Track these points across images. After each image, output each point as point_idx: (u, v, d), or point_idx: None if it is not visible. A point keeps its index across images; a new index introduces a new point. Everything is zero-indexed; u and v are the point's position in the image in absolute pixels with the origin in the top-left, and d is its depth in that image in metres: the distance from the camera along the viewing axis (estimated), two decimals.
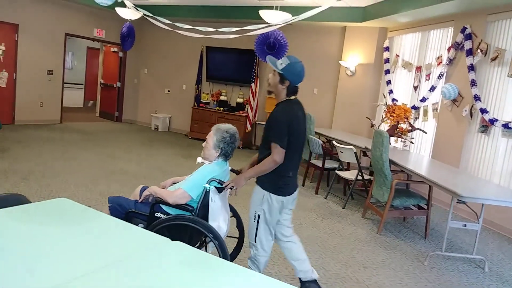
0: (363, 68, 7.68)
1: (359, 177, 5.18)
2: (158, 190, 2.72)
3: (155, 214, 2.67)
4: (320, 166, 5.81)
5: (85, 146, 7.31)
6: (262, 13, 6.50)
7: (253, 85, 8.70)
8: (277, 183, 2.63)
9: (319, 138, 5.94)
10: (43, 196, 4.47)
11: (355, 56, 7.72)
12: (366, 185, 5.30)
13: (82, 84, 13.32)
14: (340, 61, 7.84)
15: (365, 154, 5.99)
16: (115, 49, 10.73)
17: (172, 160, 7.02)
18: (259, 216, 2.66)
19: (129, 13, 7.81)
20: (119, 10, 7.87)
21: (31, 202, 2.21)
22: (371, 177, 5.24)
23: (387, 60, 7.31)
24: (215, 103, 9.42)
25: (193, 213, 2.63)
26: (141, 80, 10.87)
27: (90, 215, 2.07)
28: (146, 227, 2.49)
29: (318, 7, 5.93)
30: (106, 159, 6.50)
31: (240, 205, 3.05)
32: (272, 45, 7.12)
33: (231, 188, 2.61)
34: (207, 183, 2.60)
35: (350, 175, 5.40)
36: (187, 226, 2.52)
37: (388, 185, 4.37)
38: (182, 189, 2.62)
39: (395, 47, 7.31)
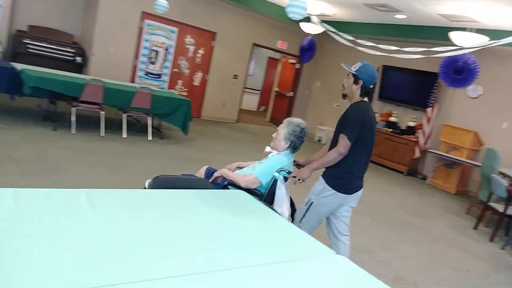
0: None
1: None
2: (230, 173, 2.86)
3: None
4: (501, 211, 5.04)
5: (255, 146, 7.89)
6: (453, 35, 6.01)
7: (429, 109, 8.10)
8: (341, 180, 2.72)
9: (503, 179, 5.17)
10: None
11: None
12: None
13: (258, 90, 14.43)
14: None
15: None
16: (293, 61, 11.31)
17: None
18: (311, 203, 2.79)
19: (312, 28, 8.16)
20: (303, 25, 8.29)
21: (214, 189, 2.48)
22: None
23: None
24: (383, 123, 9.09)
25: (261, 198, 2.73)
26: (313, 92, 11.21)
27: (264, 211, 2.20)
28: None
29: None
30: None
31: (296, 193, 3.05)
32: (459, 69, 6.52)
33: (294, 177, 2.75)
34: (276, 172, 2.77)
35: None
36: None
37: None
38: (254, 175, 2.78)
39: None
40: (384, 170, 8.45)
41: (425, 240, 4.68)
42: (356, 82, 2.73)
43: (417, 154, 8.19)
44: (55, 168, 4.26)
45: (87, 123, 6.39)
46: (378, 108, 9.43)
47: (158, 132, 6.92)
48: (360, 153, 2.70)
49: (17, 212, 1.50)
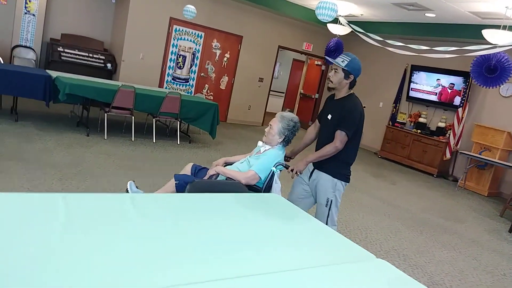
0: None
1: None
2: (227, 171, 2.87)
3: None
4: None
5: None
6: (486, 32, 5.86)
7: (460, 109, 7.92)
8: (346, 171, 2.94)
9: None
10: None
11: None
12: None
13: (283, 93, 14.43)
14: None
15: None
16: (319, 62, 11.26)
17: (361, 177, 6.96)
18: (331, 201, 2.93)
19: (339, 29, 8.11)
20: (330, 26, 8.25)
21: (248, 192, 2.51)
22: None
23: None
24: (412, 124, 8.94)
25: (259, 192, 2.80)
26: None
27: (299, 215, 2.21)
28: None
29: None
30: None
31: None
32: (492, 68, 6.34)
33: (292, 171, 2.84)
34: (273, 166, 2.86)
35: None
36: None
37: None
38: (254, 171, 2.80)
39: None
40: (413, 172, 8.31)
41: (459, 244, 4.58)
42: (347, 77, 2.82)
43: (448, 155, 8.02)
44: (90, 172, 4.40)
45: (118, 128, 6.55)
46: (406, 108, 9.28)
47: (186, 136, 7.02)
48: (357, 144, 2.91)
49: (69, 216, 1.57)
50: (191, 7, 7.13)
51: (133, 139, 6.10)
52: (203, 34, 9.05)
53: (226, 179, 2.86)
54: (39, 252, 1.30)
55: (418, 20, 8.21)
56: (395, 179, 7.39)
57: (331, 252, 1.84)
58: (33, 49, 8.15)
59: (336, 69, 2.84)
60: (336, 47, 8.11)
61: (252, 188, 2.87)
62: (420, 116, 8.82)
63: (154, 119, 6.35)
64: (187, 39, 8.91)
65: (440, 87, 8.52)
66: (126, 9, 8.18)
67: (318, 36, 10.35)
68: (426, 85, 8.79)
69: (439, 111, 8.65)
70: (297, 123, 3.01)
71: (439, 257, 4.08)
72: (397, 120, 9.21)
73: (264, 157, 2.91)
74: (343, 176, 2.92)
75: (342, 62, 2.81)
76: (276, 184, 2.89)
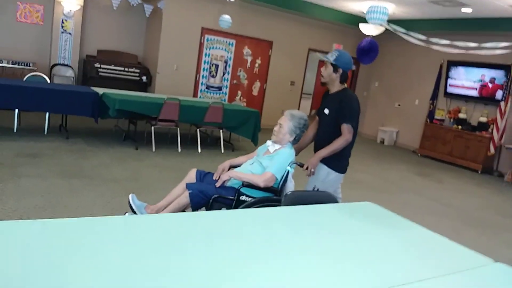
0: None
1: None
2: (243, 175, 2.82)
3: (240, 198, 2.79)
4: None
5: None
6: None
7: (502, 103, 7.75)
8: (343, 162, 3.04)
9: None
10: None
11: None
12: None
13: (310, 94, 14.38)
14: None
15: None
16: None
17: (407, 177, 6.88)
18: (317, 190, 2.96)
19: (371, 28, 8.04)
20: (362, 26, 8.20)
21: (337, 202, 2.50)
22: None
23: None
24: (451, 120, 8.78)
25: (275, 193, 2.83)
26: (371, 93, 11.03)
27: (401, 223, 2.17)
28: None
29: None
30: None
31: None
32: None
33: (306, 169, 2.88)
34: (288, 165, 2.84)
35: None
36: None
37: None
38: (271, 172, 2.78)
39: None
40: (457, 169, 8.15)
41: None
42: (336, 70, 2.94)
43: (492, 150, 7.85)
44: (150, 186, 4.46)
45: (163, 140, 6.64)
46: (444, 105, 9.12)
47: (228, 144, 7.06)
48: (355, 136, 2.97)
49: (182, 234, 1.62)
50: (226, 17, 7.19)
51: (179, 151, 6.17)
52: (234, 42, 9.11)
53: (242, 184, 2.79)
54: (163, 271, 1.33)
55: (452, 15, 8.08)
56: (441, 177, 7.27)
57: (446, 260, 1.80)
58: (71, 67, 8.35)
59: (326, 64, 2.97)
60: (371, 47, 8.03)
61: (268, 189, 2.83)
62: (459, 112, 8.66)
63: (198, 129, 6.41)
64: (219, 48, 8.98)
65: (481, 81, 8.36)
66: (159, 22, 8.30)
67: (348, 36, 10.28)
68: (465, 80, 8.63)
69: (479, 106, 8.47)
70: (307, 121, 3.00)
71: (508, 256, 3.99)
72: (435, 116, 9.06)
73: (277, 157, 2.87)
74: (341, 167, 3.04)
75: (331, 57, 2.95)
76: (291, 183, 2.90)
